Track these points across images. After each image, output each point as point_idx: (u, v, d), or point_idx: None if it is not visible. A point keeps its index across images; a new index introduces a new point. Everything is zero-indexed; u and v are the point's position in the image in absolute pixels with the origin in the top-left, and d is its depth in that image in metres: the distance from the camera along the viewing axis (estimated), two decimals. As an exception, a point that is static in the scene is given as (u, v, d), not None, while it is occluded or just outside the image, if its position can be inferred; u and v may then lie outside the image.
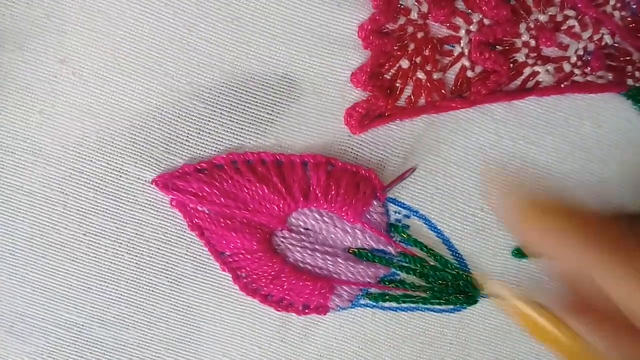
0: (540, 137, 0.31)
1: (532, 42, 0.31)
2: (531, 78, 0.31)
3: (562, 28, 0.31)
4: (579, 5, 0.31)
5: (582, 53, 0.31)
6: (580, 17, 0.31)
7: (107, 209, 0.30)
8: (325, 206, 0.30)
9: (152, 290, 0.31)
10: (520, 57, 0.31)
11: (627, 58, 0.31)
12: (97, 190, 0.30)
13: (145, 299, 0.31)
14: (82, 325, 0.31)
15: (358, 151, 0.31)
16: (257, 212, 0.30)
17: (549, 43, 0.31)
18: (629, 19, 0.31)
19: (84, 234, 0.30)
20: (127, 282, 0.31)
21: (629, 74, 0.32)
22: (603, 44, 0.31)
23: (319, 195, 0.30)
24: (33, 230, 0.30)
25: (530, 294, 0.32)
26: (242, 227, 0.30)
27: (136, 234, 0.31)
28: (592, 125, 0.32)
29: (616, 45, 0.32)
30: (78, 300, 0.31)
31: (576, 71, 0.31)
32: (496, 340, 0.32)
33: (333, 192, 0.30)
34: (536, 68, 0.31)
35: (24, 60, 0.30)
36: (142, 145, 0.30)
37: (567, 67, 0.31)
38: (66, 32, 0.30)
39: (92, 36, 0.30)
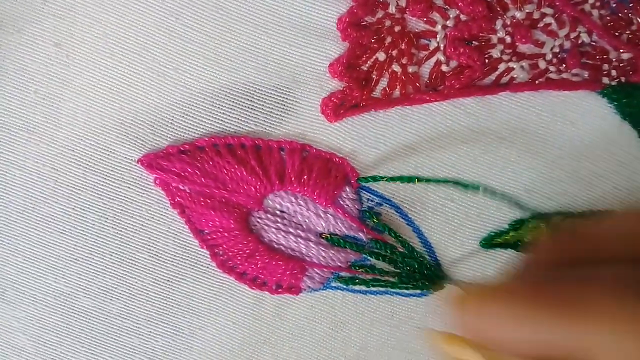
0: (512, 133, 0.32)
1: (508, 39, 0.32)
2: (505, 74, 0.32)
3: (538, 25, 0.32)
4: (557, 3, 0.31)
5: (558, 50, 0.32)
6: (557, 15, 0.32)
7: (95, 185, 0.32)
8: (298, 189, 0.31)
9: (135, 264, 0.33)
10: (495, 53, 0.32)
11: (604, 56, 0.32)
12: (86, 168, 0.32)
13: (127, 272, 0.33)
14: (69, 294, 0.33)
15: (333, 139, 0.32)
16: (235, 192, 0.31)
17: (524, 40, 0.31)
18: (608, 17, 0.32)
19: (73, 209, 0.32)
20: (111, 255, 0.33)
21: (605, 72, 0.32)
22: (580, 42, 0.32)
23: (293, 179, 0.31)
24: (26, 203, 0.32)
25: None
26: (221, 206, 0.32)
27: (121, 210, 0.32)
28: (565, 123, 0.32)
29: (593, 43, 0.32)
30: (65, 271, 0.33)
31: (551, 68, 0.32)
32: (462, 326, 0.34)
33: (305, 176, 0.31)
34: (511, 64, 0.32)
35: (21, 43, 0.32)
36: (130, 127, 0.32)
37: (542, 64, 0.32)
38: (62, 17, 0.31)
39: (86, 22, 0.31)
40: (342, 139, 0.32)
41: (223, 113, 0.32)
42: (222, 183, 0.31)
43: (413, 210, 0.33)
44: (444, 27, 0.31)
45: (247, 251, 0.32)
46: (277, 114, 0.32)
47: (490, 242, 0.33)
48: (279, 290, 0.32)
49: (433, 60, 0.32)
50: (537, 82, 0.32)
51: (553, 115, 0.32)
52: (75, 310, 0.33)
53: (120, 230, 0.32)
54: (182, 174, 0.31)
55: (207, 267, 0.33)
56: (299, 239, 0.32)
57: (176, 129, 0.32)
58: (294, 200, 0.32)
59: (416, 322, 0.33)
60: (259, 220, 0.32)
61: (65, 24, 0.31)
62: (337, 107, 0.32)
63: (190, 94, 0.32)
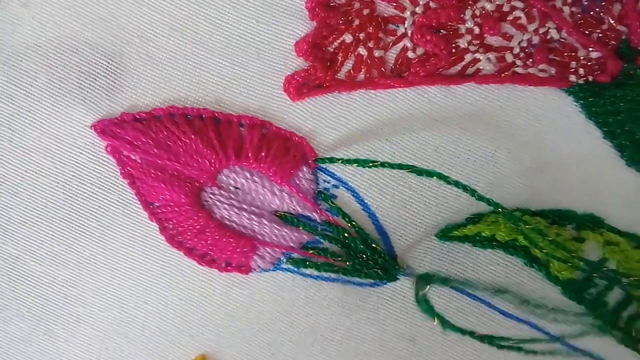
0: (475, 124, 0.32)
1: (476, 30, 0.31)
2: (471, 65, 0.32)
3: (508, 18, 0.31)
4: (528, -2, 0.31)
5: (526, 45, 0.31)
6: (527, 9, 0.31)
7: (48, 148, 0.32)
8: (254, 165, 0.31)
9: (83, 232, 0.32)
10: (462, 43, 0.31)
11: (572, 54, 0.32)
12: (41, 130, 0.32)
13: (76, 239, 0.32)
14: (17, 257, 0.32)
15: (294, 118, 0.32)
16: (189, 165, 0.31)
17: (492, 32, 0.31)
18: (578, 15, 0.32)
19: (25, 171, 0.32)
20: (61, 221, 0.32)
21: (573, 70, 0.32)
22: (548, 37, 0.32)
23: (250, 154, 0.31)
24: (-21, 161, 0.32)
25: (450, 276, 0.33)
26: (172, 179, 0.31)
27: (73, 175, 0.32)
28: (529, 118, 0.32)
29: (562, 40, 0.32)
30: (15, 233, 0.32)
31: (518, 62, 0.31)
32: (414, 320, 0.33)
33: (263, 153, 0.31)
34: (477, 55, 0.31)
35: (-12, 1, 0.31)
36: (88, 91, 0.31)
37: (509, 58, 0.31)
38: (30, -22, 0.31)
39: (54, -17, 0.31)
40: (303, 118, 0.32)
41: (183, 83, 0.31)
42: (175, 155, 0.31)
43: (370, 196, 0.32)
44: (413, 13, 0.31)
45: (198, 227, 0.31)
46: (238, 89, 0.32)
47: (447, 234, 0.32)
48: (229, 268, 0.32)
49: (400, 46, 0.31)
50: (503, 75, 0.31)
51: (517, 109, 0.32)
52: (22, 274, 0.32)
53: (71, 197, 0.32)
54: (135, 142, 0.31)
55: (156, 240, 0.32)
56: (252, 216, 0.31)
57: (134, 96, 0.31)
58: (249, 176, 0.31)
59: (367, 312, 0.33)
60: (211, 195, 0.31)
61: (33, -16, 0.31)
62: (300, 86, 0.31)
63: (152, 62, 0.31)
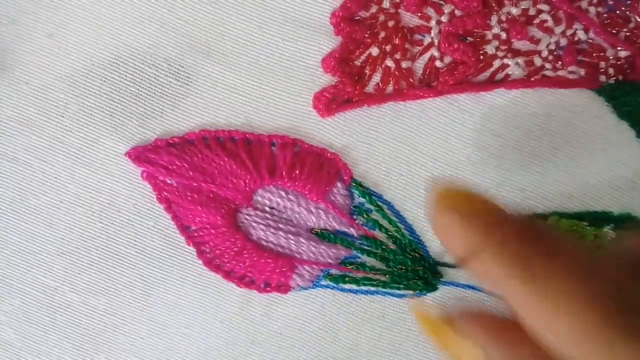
0: (507, 130, 0.32)
1: (503, 35, 0.31)
2: (500, 70, 0.31)
3: (534, 22, 0.31)
4: (553, 0, 0.31)
5: (554, 47, 0.31)
6: (553, 11, 0.31)
7: (83, 178, 0.32)
8: (289, 184, 0.31)
9: (121, 260, 0.32)
10: (490, 49, 0.31)
11: (601, 54, 0.31)
12: (74, 160, 0.32)
13: (113, 267, 0.32)
14: (55, 288, 0.32)
15: (325, 134, 0.32)
16: (224, 186, 0.31)
17: (520, 36, 0.31)
18: (604, 15, 0.31)
19: (61, 201, 0.32)
20: (97, 250, 0.32)
21: (602, 70, 0.31)
22: (576, 39, 0.31)
23: (284, 173, 0.31)
24: (14, 195, 0.32)
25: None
26: (208, 201, 0.31)
27: (108, 204, 0.32)
28: (560, 121, 0.32)
29: (590, 41, 0.32)
30: (52, 264, 0.32)
31: (547, 65, 0.31)
32: (455, 329, 0.33)
33: (297, 171, 0.31)
34: (506, 61, 0.31)
35: (14, 33, 0.31)
36: (119, 119, 0.32)
37: (537, 61, 0.31)
38: (56, 8, 0.31)
39: (79, 13, 0.31)
40: (334, 134, 0.32)
41: (213, 106, 0.31)
42: (211, 177, 0.31)
43: (405, 208, 0.32)
44: (439, 22, 0.31)
45: (235, 249, 0.31)
46: (267, 109, 0.32)
47: (485, 242, 0.32)
48: (268, 288, 0.32)
49: (427, 55, 0.31)
50: (532, 79, 0.31)
51: (548, 113, 0.32)
52: (61, 305, 0.33)
53: (107, 225, 0.32)
54: (170, 167, 0.31)
55: (194, 265, 0.32)
56: (289, 235, 0.31)
57: (166, 122, 0.31)
58: (284, 195, 0.31)
59: (408, 323, 0.33)
60: (247, 217, 0.31)
61: (59, 14, 0.31)
62: (330, 102, 0.31)
63: (181, 86, 0.31)
